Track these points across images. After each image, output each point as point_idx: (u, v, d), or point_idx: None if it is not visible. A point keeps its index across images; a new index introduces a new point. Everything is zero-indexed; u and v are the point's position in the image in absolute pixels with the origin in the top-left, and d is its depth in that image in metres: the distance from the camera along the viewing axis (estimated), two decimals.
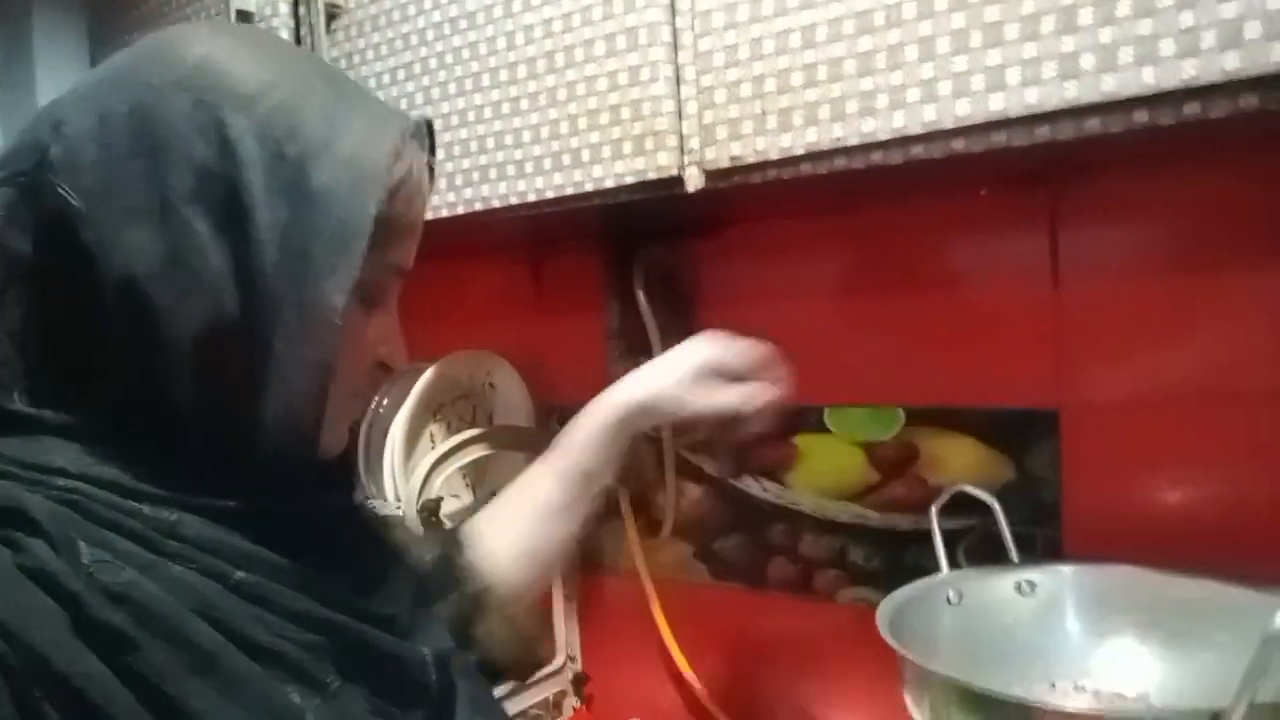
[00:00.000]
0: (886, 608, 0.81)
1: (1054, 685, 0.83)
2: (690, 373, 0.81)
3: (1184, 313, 0.89)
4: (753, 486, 1.14)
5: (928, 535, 0.92)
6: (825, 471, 1.09)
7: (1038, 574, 0.88)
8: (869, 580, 1.06)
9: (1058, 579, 0.88)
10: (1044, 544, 0.96)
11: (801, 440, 1.10)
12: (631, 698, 1.23)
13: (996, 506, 0.91)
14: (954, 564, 0.92)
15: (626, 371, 0.85)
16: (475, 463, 1.16)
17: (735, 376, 0.82)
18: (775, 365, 0.84)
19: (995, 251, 0.98)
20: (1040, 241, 0.94)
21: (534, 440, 1.14)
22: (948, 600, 0.87)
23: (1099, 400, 0.92)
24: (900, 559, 1.04)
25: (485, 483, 1.25)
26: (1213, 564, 0.81)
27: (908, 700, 0.73)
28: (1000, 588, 0.89)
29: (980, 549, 0.97)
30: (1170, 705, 0.70)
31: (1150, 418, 0.90)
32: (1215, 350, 0.88)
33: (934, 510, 0.91)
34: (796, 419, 1.08)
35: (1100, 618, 0.85)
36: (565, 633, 1.26)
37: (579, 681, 1.26)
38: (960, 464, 1.00)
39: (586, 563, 1.27)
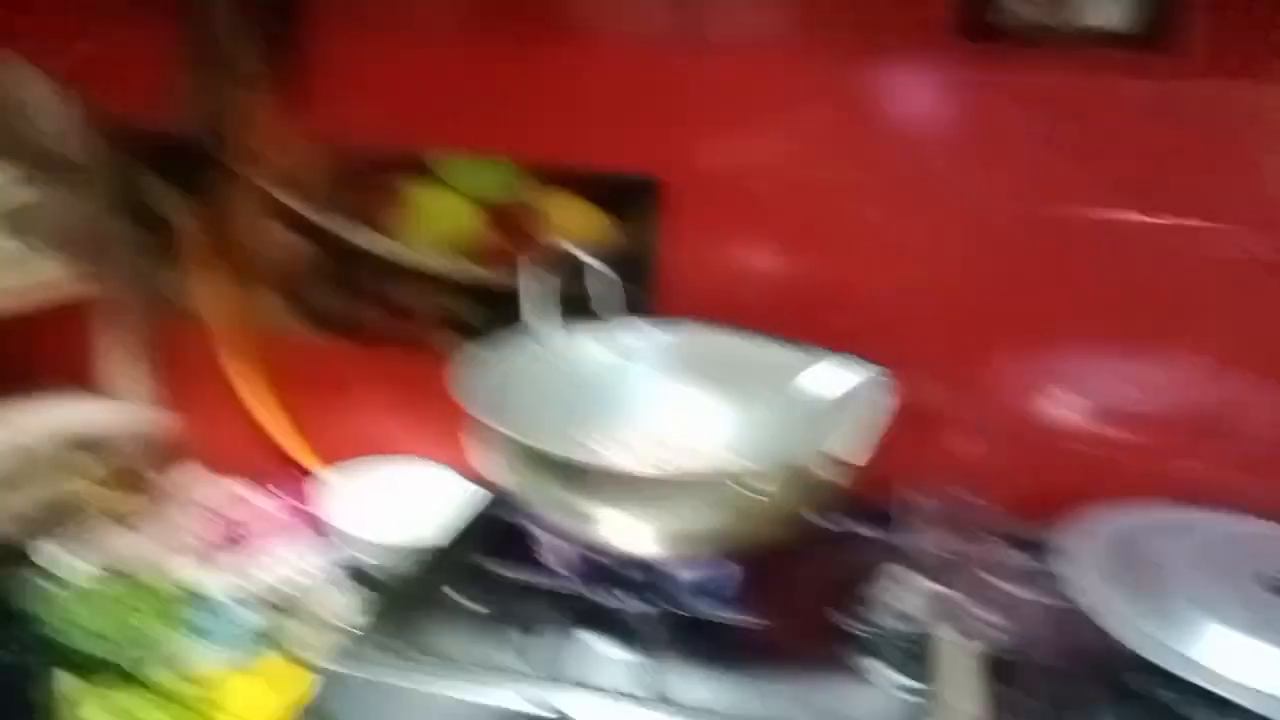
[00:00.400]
0: (467, 364, 0.80)
1: (631, 440, 0.88)
2: None
3: (786, 99, 0.91)
4: (356, 234, 1.05)
5: (534, 285, 0.91)
6: (434, 224, 1.02)
7: (627, 331, 0.92)
8: (476, 335, 1.05)
9: (645, 338, 0.92)
10: (639, 305, 0.99)
11: (410, 190, 1.02)
12: (223, 453, 1.15)
13: (594, 265, 0.92)
14: (551, 321, 0.93)
15: (206, 95, 0.69)
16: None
17: None
18: None
19: (617, 14, 0.93)
20: (663, 12, 0.91)
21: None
22: (534, 356, 0.88)
23: (698, 171, 0.94)
24: (507, 315, 1.02)
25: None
26: (786, 330, 0.88)
27: (482, 455, 0.74)
28: (588, 345, 0.91)
29: (580, 305, 0.98)
30: (731, 460, 0.76)
31: (743, 193, 0.94)
32: (808, 137, 0.92)
33: (525, 266, 0.90)
34: (401, 161, 0.99)
35: (681, 376, 0.91)
36: (139, 385, 1.13)
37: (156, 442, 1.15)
38: (569, 224, 0.99)
39: (162, 307, 1.12)
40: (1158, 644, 0.64)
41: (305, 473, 1.10)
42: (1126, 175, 0.86)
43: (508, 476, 0.71)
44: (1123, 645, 0.64)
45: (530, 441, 0.65)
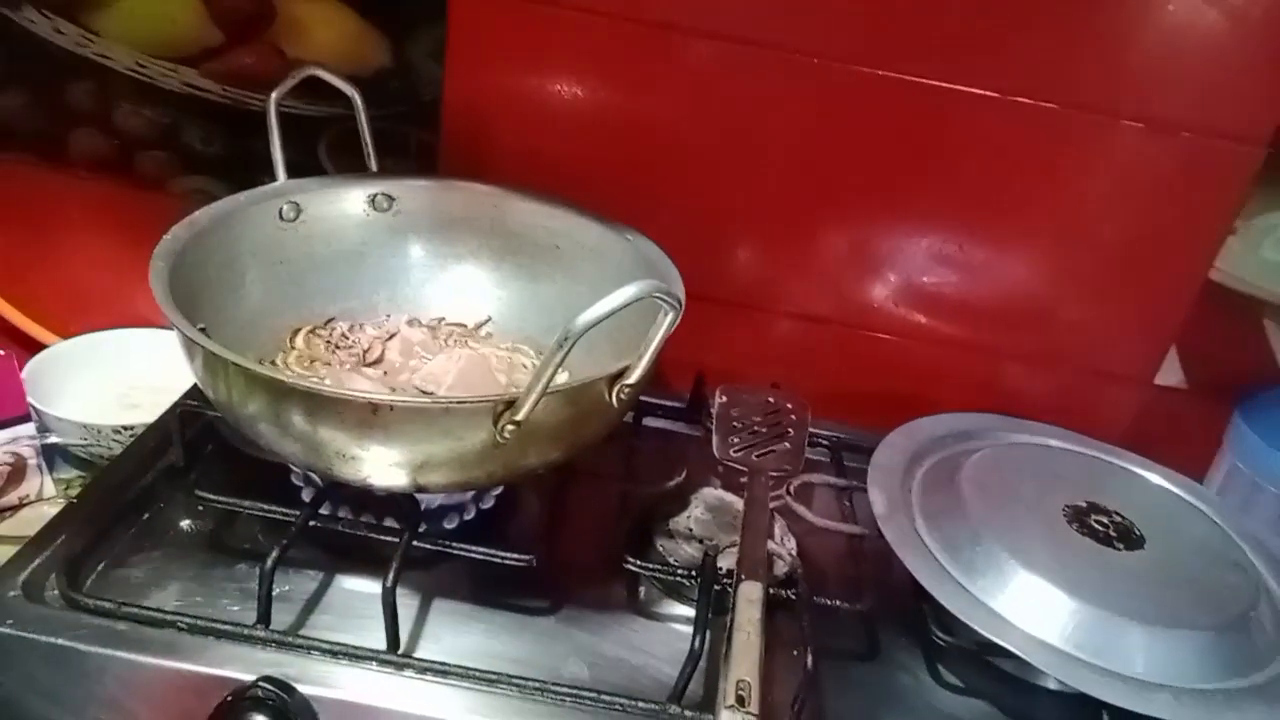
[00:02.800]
0: (181, 234, 0.62)
1: (388, 317, 0.73)
2: None
3: None
4: (41, 25, 0.80)
5: (286, 121, 0.71)
6: (147, 18, 0.79)
7: (397, 186, 0.75)
8: (209, 168, 0.84)
9: (419, 194, 0.75)
10: (418, 149, 0.82)
11: None
12: None
13: (358, 100, 0.73)
14: (313, 165, 0.74)
15: None
16: None
17: None
18: None
19: None
20: None
21: None
22: (281, 215, 0.70)
23: None
24: (249, 146, 0.82)
25: None
26: (578, 195, 0.74)
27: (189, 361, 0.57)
28: (349, 201, 0.74)
29: (348, 147, 0.79)
30: (463, 395, 0.64)
31: (549, 19, 0.76)
32: None
33: (274, 97, 0.70)
34: None
35: (454, 240, 0.76)
36: None
37: None
38: (328, 37, 0.78)
39: None
40: (960, 590, 0.59)
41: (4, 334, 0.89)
42: (962, 47, 0.74)
43: (214, 389, 0.55)
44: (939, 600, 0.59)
45: (233, 357, 0.50)
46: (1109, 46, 0.73)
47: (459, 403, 0.51)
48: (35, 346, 0.86)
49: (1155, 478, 0.73)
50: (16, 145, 0.85)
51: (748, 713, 0.47)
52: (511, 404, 0.49)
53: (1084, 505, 0.66)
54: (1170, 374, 0.85)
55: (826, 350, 0.87)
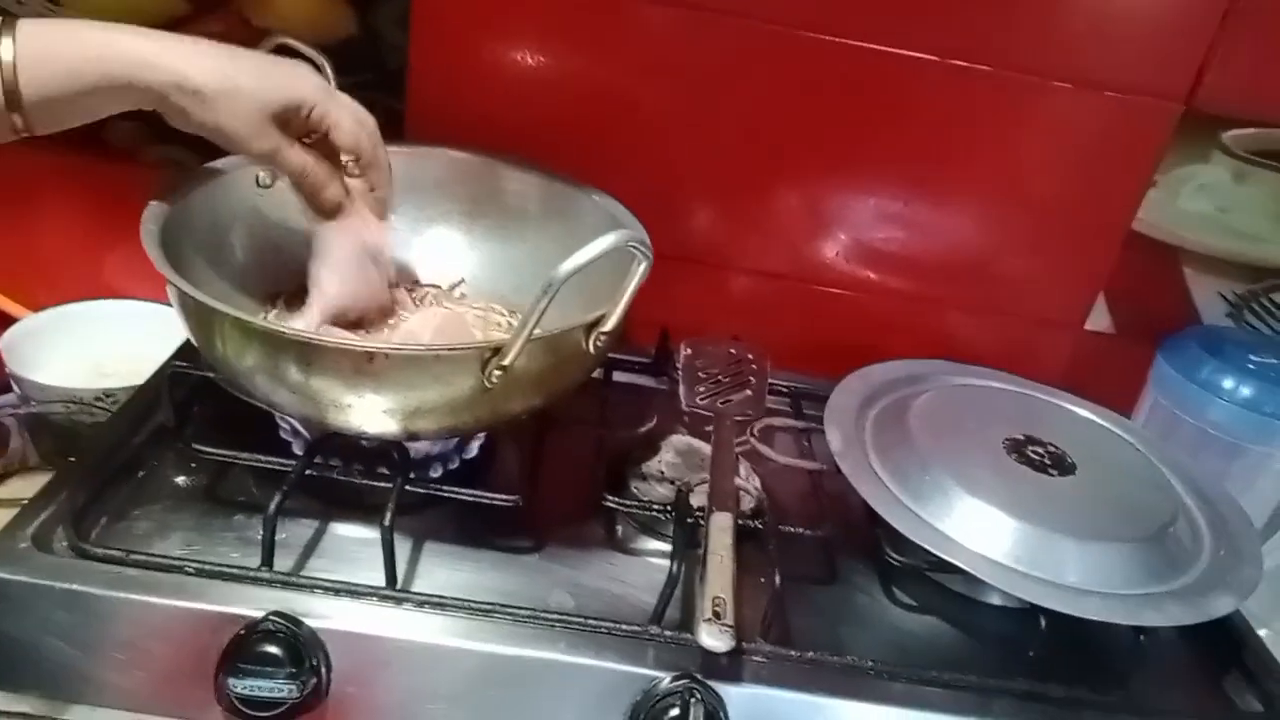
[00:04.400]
0: (167, 199, 0.64)
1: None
2: (278, 100, 0.58)
3: None
4: None
5: None
6: None
7: None
8: (180, 137, 0.85)
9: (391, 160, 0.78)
10: (385, 115, 0.83)
11: None
12: None
13: (328, 68, 0.74)
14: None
15: None
16: None
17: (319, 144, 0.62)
18: (383, 170, 0.66)
19: None
20: None
21: None
22: (258, 182, 0.72)
23: None
24: None
25: None
26: (555, 159, 0.78)
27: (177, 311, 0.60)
28: None
29: None
30: (452, 342, 0.67)
31: None
32: None
33: None
34: None
35: (426, 204, 0.79)
36: None
37: None
38: (293, 6, 0.80)
39: None
40: (910, 515, 0.64)
41: None
42: (903, 13, 0.79)
43: (207, 345, 0.58)
44: (879, 515, 0.64)
45: (232, 311, 0.53)
46: (1039, 10, 0.78)
47: (450, 349, 0.55)
48: (8, 320, 0.87)
49: (1085, 413, 0.79)
50: None
51: (724, 624, 0.52)
52: (498, 350, 0.53)
53: (1021, 438, 0.72)
54: (1099, 319, 0.92)
55: (784, 305, 0.92)
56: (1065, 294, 0.90)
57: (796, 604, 0.64)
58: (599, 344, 0.58)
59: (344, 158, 0.65)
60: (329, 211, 0.65)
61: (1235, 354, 0.82)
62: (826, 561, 0.69)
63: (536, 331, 0.53)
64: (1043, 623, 0.60)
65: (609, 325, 0.57)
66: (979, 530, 0.64)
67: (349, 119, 0.62)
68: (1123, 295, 0.90)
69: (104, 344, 0.88)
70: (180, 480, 0.65)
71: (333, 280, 0.66)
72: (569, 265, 0.50)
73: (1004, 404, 0.79)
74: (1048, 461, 0.70)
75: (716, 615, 0.52)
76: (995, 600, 0.68)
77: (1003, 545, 0.63)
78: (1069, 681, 0.59)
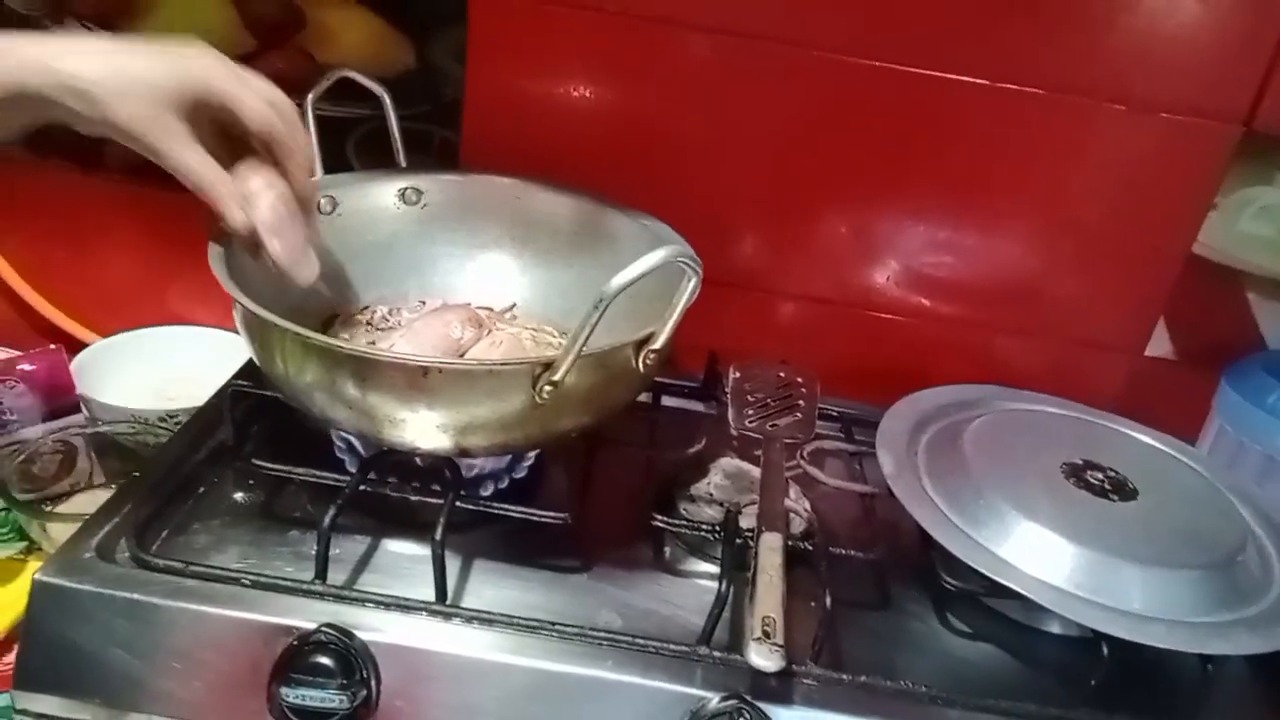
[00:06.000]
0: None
1: (423, 303, 0.77)
2: (176, 89, 0.54)
3: None
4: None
5: (315, 121, 0.76)
6: (183, 28, 0.82)
7: (425, 181, 0.79)
8: None
9: (445, 188, 0.80)
10: (441, 146, 0.86)
11: None
12: None
13: (387, 100, 0.77)
14: (341, 163, 0.79)
15: None
16: None
17: (234, 133, 0.58)
18: (300, 158, 0.60)
19: None
20: None
21: None
22: (319, 209, 0.74)
23: None
24: None
25: None
26: (606, 186, 0.79)
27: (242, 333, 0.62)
28: (382, 195, 0.78)
29: (373, 146, 0.84)
30: (527, 350, 0.68)
31: (565, 19, 0.80)
32: None
33: (310, 99, 0.74)
34: None
35: (479, 230, 0.80)
36: None
37: None
38: (354, 41, 0.83)
39: None
40: (966, 539, 0.63)
41: (49, 333, 0.94)
42: (949, 37, 0.79)
43: (268, 361, 0.59)
44: (933, 539, 0.63)
45: (293, 327, 0.54)
46: (1089, 31, 0.77)
47: (502, 364, 0.55)
48: (78, 345, 0.91)
49: (1145, 438, 0.77)
50: (57, 154, 0.89)
51: (774, 644, 0.51)
52: (549, 365, 0.54)
53: (1080, 463, 0.70)
54: (1160, 346, 0.89)
55: (831, 330, 0.91)
56: (1121, 318, 0.89)
57: (849, 628, 0.63)
58: (648, 362, 0.59)
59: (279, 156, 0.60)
60: (240, 235, 0.59)
61: None
62: (879, 586, 0.68)
63: (586, 348, 0.54)
64: (1105, 650, 0.58)
65: (658, 343, 0.58)
66: (1037, 556, 0.62)
67: (254, 99, 0.57)
68: (1184, 321, 0.88)
69: (169, 367, 0.91)
70: (239, 496, 0.66)
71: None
72: (621, 279, 0.50)
73: (1060, 428, 0.77)
74: (1108, 487, 0.68)
75: (766, 635, 0.51)
76: (1056, 629, 0.66)
77: (1062, 571, 0.61)
78: (1134, 712, 0.57)
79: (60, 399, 0.82)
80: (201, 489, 0.66)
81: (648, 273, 0.51)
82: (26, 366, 0.81)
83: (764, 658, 0.50)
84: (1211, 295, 0.86)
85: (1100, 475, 0.69)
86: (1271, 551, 0.68)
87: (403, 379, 0.54)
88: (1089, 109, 0.80)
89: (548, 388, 0.54)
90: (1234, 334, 0.87)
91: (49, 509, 0.74)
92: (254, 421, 0.71)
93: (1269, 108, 0.78)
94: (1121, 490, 0.68)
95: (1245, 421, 0.80)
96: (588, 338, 0.52)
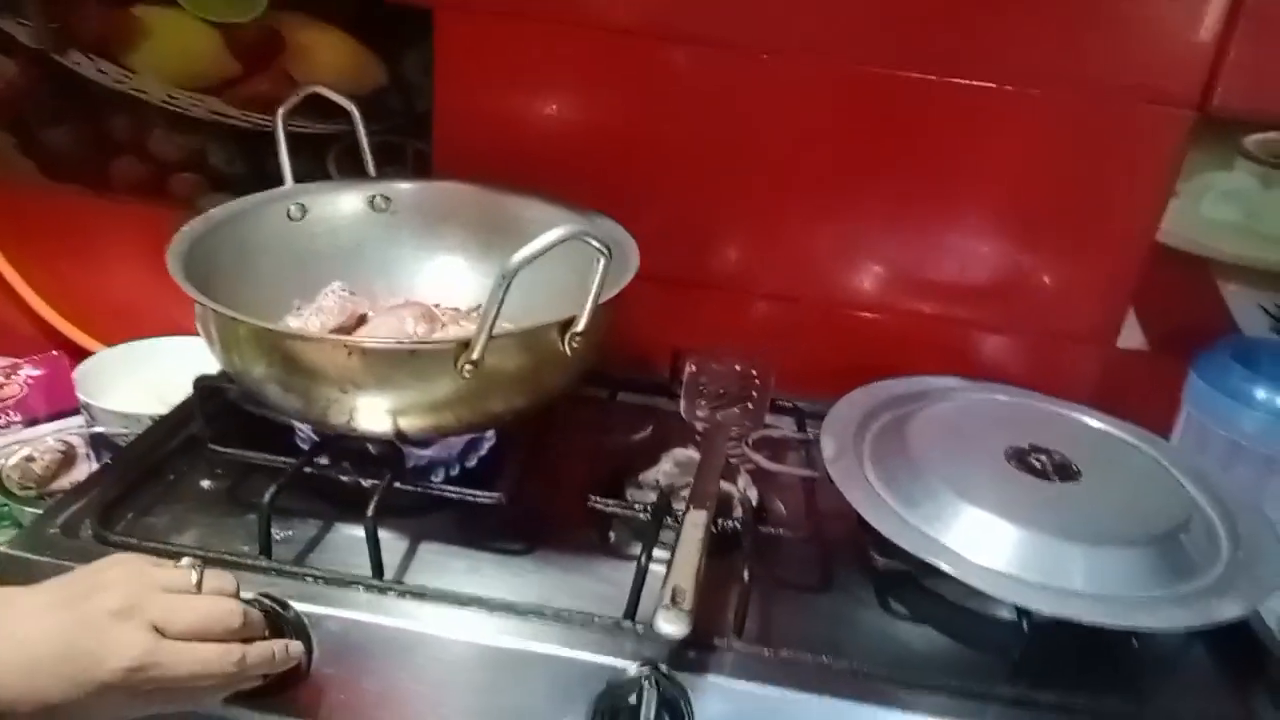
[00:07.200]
0: (198, 226, 0.71)
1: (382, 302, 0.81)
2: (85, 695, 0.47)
3: None
4: (85, 66, 0.91)
5: (298, 138, 0.81)
6: (175, 55, 0.89)
7: (391, 189, 0.83)
8: (233, 185, 0.94)
9: (412, 195, 0.84)
10: (415, 157, 0.90)
11: (144, 13, 0.88)
12: None
13: (357, 114, 0.82)
14: (321, 175, 0.83)
15: None
16: None
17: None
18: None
19: None
20: None
21: None
22: (289, 215, 0.79)
23: (475, 3, 0.84)
24: (265, 163, 0.92)
25: None
26: (573, 190, 0.81)
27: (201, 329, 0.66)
28: (349, 201, 0.82)
29: (352, 159, 0.88)
30: (424, 338, 0.71)
31: (527, 33, 0.84)
32: None
33: (280, 114, 0.79)
34: None
35: (444, 234, 0.84)
36: None
37: None
38: (330, 60, 0.88)
39: None
40: (895, 518, 0.64)
41: (59, 344, 1.00)
42: (904, 32, 0.80)
43: (224, 355, 0.63)
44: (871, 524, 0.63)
45: (228, 311, 0.58)
46: (1038, 22, 0.78)
47: (422, 343, 0.58)
48: (83, 353, 0.96)
49: (1097, 423, 0.77)
50: (66, 175, 0.96)
51: (680, 609, 0.52)
52: (467, 344, 0.56)
53: (1025, 447, 0.70)
54: (1132, 337, 0.89)
55: (804, 329, 0.92)
56: (1090, 309, 0.88)
57: (786, 607, 0.64)
58: (575, 345, 0.61)
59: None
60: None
61: (1269, 364, 0.78)
62: (821, 569, 0.69)
63: (507, 328, 0.57)
64: (1025, 626, 0.58)
65: (580, 326, 0.60)
66: (973, 536, 0.62)
67: (186, 661, 0.49)
68: (1155, 311, 0.87)
69: (166, 375, 0.95)
70: (205, 484, 0.70)
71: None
72: (519, 256, 0.53)
73: (1011, 415, 0.77)
74: (1050, 469, 0.68)
75: (674, 602, 0.53)
76: (1003, 612, 0.65)
77: (998, 550, 0.61)
78: (1060, 687, 0.57)
79: (62, 403, 0.88)
80: (171, 476, 0.70)
81: (547, 249, 0.53)
82: (31, 370, 0.87)
83: (670, 623, 0.52)
84: (1180, 284, 0.86)
85: (1044, 458, 0.69)
86: (1221, 532, 0.67)
87: (326, 358, 0.57)
88: (1045, 100, 0.80)
89: (468, 367, 0.57)
90: (1206, 322, 0.86)
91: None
92: (227, 417, 0.75)
93: (1223, 91, 0.78)
94: (1064, 472, 0.68)
95: (1209, 406, 0.79)
96: (496, 314, 0.55)
